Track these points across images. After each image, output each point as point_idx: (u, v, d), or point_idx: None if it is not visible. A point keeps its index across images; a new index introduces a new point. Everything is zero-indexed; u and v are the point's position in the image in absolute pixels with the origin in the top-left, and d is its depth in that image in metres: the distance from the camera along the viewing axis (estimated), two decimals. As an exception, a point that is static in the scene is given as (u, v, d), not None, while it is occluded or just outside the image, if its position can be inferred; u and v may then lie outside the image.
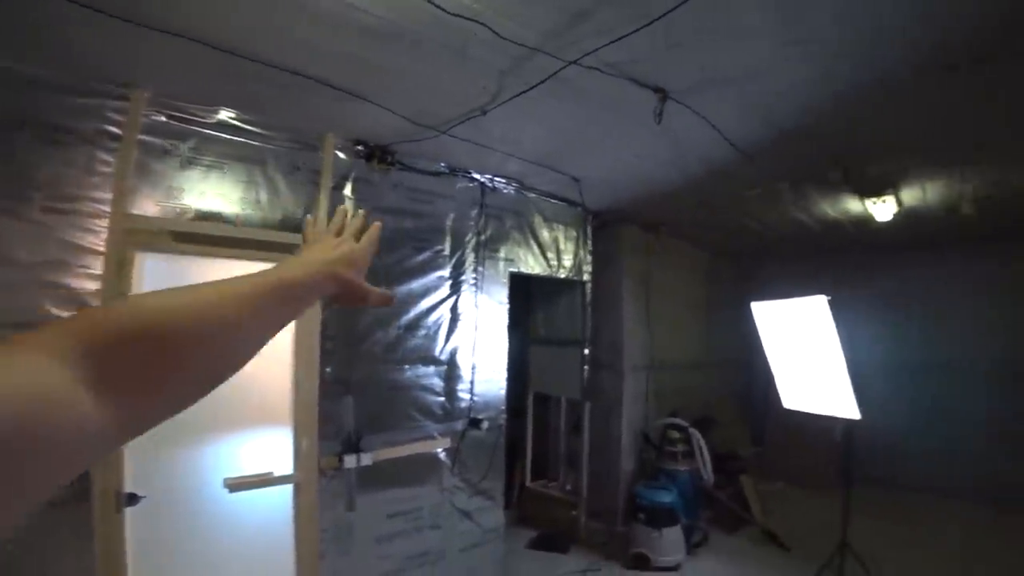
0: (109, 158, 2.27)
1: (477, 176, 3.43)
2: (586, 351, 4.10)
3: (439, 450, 3.18)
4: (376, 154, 2.97)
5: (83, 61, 2.13)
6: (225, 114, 2.56)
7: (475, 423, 3.31)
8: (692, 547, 3.77)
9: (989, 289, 4.82)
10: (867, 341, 3.69)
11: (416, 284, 3.14)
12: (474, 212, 3.42)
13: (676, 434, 4.15)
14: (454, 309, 3.30)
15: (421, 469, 3.10)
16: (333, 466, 2.75)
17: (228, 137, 2.56)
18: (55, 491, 0.31)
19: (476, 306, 3.39)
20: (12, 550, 2.09)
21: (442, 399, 3.22)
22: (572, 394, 4.21)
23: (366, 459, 2.82)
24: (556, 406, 4.61)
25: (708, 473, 3.98)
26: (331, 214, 1.01)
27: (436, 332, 3.21)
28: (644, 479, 4.22)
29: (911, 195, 3.64)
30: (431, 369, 3.18)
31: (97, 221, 2.24)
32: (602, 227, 4.41)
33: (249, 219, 2.63)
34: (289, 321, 0.56)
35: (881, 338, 4.61)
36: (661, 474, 4.06)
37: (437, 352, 3.20)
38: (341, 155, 2.89)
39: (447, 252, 3.28)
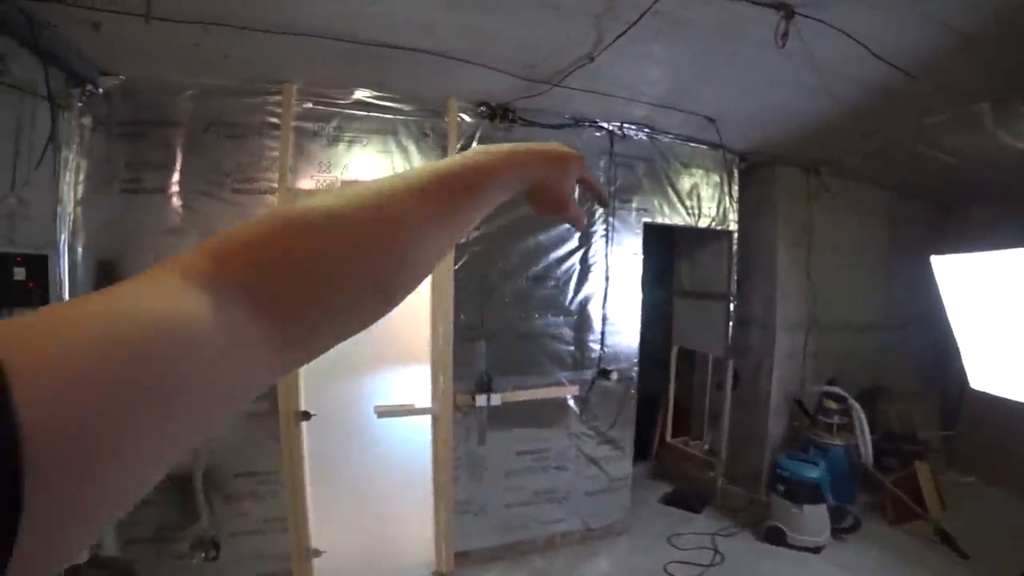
0: (275, 144, 2.73)
1: (604, 125, 3.31)
2: (732, 306, 3.81)
3: (568, 397, 3.27)
4: (498, 113, 3.03)
5: (245, 69, 2.60)
6: (360, 94, 2.87)
7: (604, 373, 3.32)
8: (840, 531, 3.39)
9: None
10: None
11: (544, 236, 3.19)
12: (603, 162, 3.32)
13: (833, 404, 3.69)
14: (584, 260, 3.30)
15: (549, 413, 3.23)
16: (467, 403, 3.01)
17: (364, 114, 2.90)
18: (215, 421, 0.29)
19: (606, 257, 3.34)
20: (229, 446, 2.73)
21: (571, 348, 3.28)
22: (716, 351, 3.97)
23: (495, 399, 3.03)
24: (703, 361, 4.39)
25: (867, 452, 3.50)
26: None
27: (566, 283, 3.25)
28: (793, 448, 3.87)
29: None
30: (560, 319, 3.25)
31: (271, 196, 2.71)
32: (752, 170, 3.97)
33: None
34: (476, 215, 0.47)
35: None
36: (811, 446, 3.68)
37: (567, 302, 3.25)
38: (466, 118, 3.03)
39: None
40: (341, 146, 2.87)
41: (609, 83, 2.80)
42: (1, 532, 0.17)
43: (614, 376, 3.30)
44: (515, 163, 0.50)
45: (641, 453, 4.53)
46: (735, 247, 3.77)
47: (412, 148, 2.96)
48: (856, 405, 3.56)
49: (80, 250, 2.58)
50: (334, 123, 2.85)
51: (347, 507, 2.99)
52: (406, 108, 2.95)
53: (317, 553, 2.90)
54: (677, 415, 4.45)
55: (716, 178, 3.67)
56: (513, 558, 3.22)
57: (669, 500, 3.90)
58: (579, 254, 3.28)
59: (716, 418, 4.19)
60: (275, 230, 0.34)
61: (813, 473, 3.33)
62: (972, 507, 3.73)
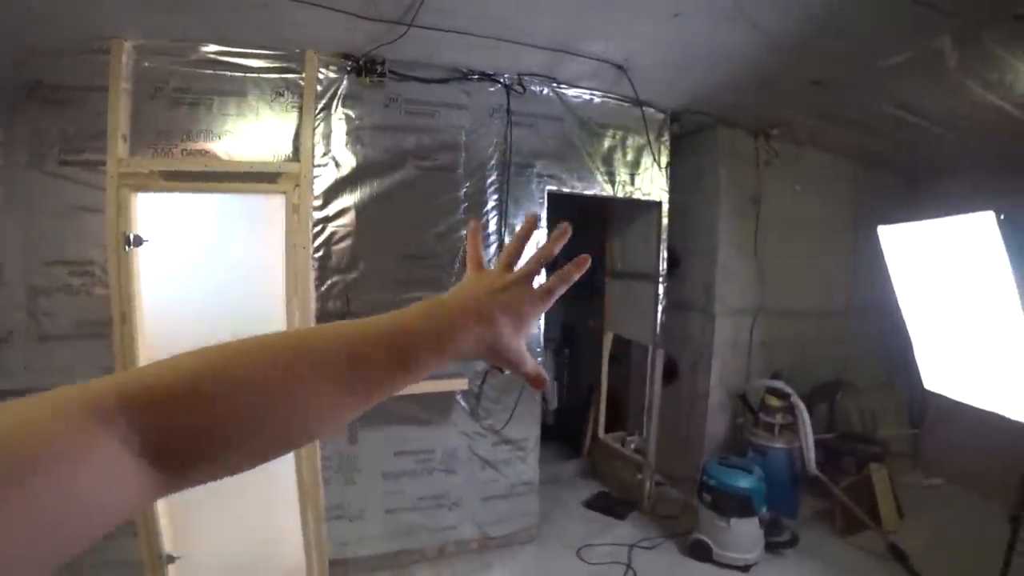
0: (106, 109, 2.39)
1: (498, 78, 2.87)
2: (661, 288, 3.35)
3: (455, 392, 2.89)
4: (364, 67, 2.63)
5: (72, 25, 2.26)
6: (205, 49, 2.51)
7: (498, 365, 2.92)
8: (777, 545, 2.94)
9: None
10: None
11: (422, 209, 2.79)
12: (496, 121, 2.89)
13: (776, 401, 3.22)
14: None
15: (433, 409, 2.87)
16: (332, 398, 2.66)
17: (210, 72, 2.54)
18: (89, 541, 0.31)
19: (501, 232, 2.93)
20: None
21: (459, 337, 2.89)
22: (646, 338, 3.52)
23: (364, 394, 2.67)
24: (642, 350, 3.95)
25: (810, 457, 3.02)
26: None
27: (451, 262, 2.86)
28: (736, 449, 3.43)
29: None
30: (444, 304, 2.85)
31: (102, 168, 2.39)
32: (691, 135, 3.48)
33: (237, 151, 2.57)
34: (403, 381, 0.45)
35: None
36: (750, 448, 3.23)
37: (452, 282, 2.86)
38: (330, 73, 2.63)
39: (461, 170, 2.84)
40: (183, 109, 2.52)
41: (480, 21, 2.38)
42: None
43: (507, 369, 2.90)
44: (447, 341, 0.47)
45: (575, 449, 4.14)
46: (664, 220, 3.29)
47: (265, 110, 2.60)
48: (799, 403, 3.09)
49: None
50: (174, 83, 2.50)
51: (207, 508, 2.70)
52: (257, 64, 2.58)
53: (171, 559, 2.63)
54: (614, 409, 4.03)
55: (640, 140, 3.19)
56: (397, 568, 2.90)
57: (592, 504, 3.51)
58: (465, 230, 2.88)
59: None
60: (183, 386, 0.36)
61: (743, 482, 2.88)
62: (934, 514, 3.23)
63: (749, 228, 3.48)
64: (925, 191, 3.87)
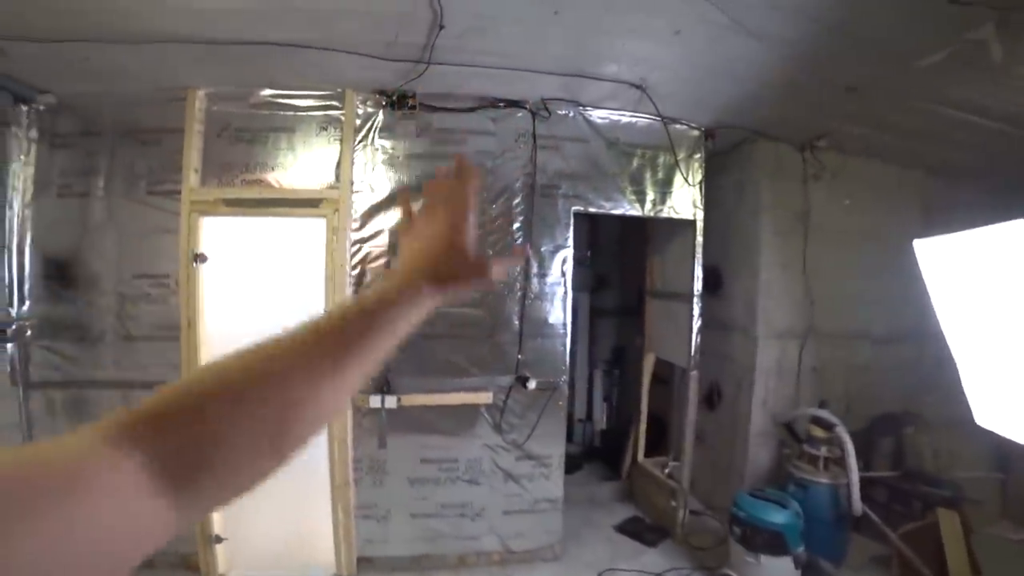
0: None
1: (524, 105, 2.99)
2: (697, 307, 3.25)
3: (480, 405, 2.99)
4: (396, 101, 2.88)
5: (151, 78, 2.75)
6: (260, 94, 2.89)
7: (522, 380, 2.99)
8: (815, 589, 2.71)
9: None
10: None
11: (449, 228, 2.96)
12: (522, 145, 3.00)
13: (820, 432, 2.97)
14: (501, 255, 3.00)
15: (458, 420, 2.99)
16: (363, 403, 2.88)
17: (266, 113, 2.92)
18: (112, 561, 0.32)
19: (527, 250, 3.02)
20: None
21: (484, 350, 3.00)
22: (681, 360, 3.41)
23: (390, 401, 2.86)
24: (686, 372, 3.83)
25: (855, 496, 2.75)
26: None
27: (476, 279, 2.98)
28: (781, 481, 3.20)
29: None
30: (470, 319, 2.98)
31: (178, 197, 2.83)
32: (732, 151, 3.37)
33: (287, 180, 2.92)
34: (381, 348, 0.49)
35: None
36: (790, 481, 3.00)
37: (478, 298, 2.98)
38: (368, 108, 2.92)
39: (488, 192, 2.98)
40: (242, 145, 2.92)
41: (490, 55, 2.54)
42: None
43: (532, 384, 2.96)
44: (404, 305, 0.52)
45: (617, 471, 4.06)
46: (699, 238, 3.21)
47: (311, 143, 2.93)
48: (844, 435, 2.83)
49: (27, 248, 2.89)
50: (235, 124, 2.91)
51: (253, 496, 2.98)
52: (304, 104, 2.93)
53: (219, 540, 2.95)
54: (659, 433, 3.91)
55: (670, 159, 3.15)
56: (419, 572, 3.02)
57: (623, 528, 3.42)
58: (498, 246, 3.00)
59: (699, 438, 3.61)
60: (178, 400, 0.39)
61: (776, 517, 2.70)
62: (1019, 572, 2.78)
63: (796, 245, 3.29)
64: (1018, 201, 3.42)
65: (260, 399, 0.41)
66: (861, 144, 3.19)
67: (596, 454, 4.34)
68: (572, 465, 4.11)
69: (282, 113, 2.93)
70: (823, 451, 2.95)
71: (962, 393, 3.45)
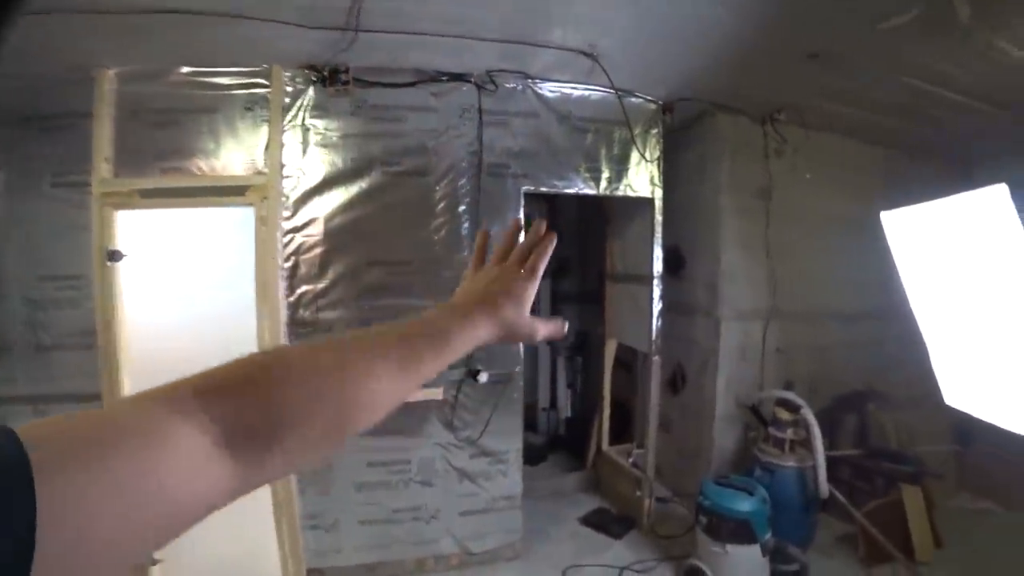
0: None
1: (468, 78, 2.77)
2: (656, 290, 3.11)
3: (429, 400, 2.81)
4: (327, 76, 2.63)
5: (58, 57, 2.39)
6: (179, 72, 2.60)
7: (473, 374, 2.82)
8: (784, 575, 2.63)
9: None
10: None
11: (391, 215, 2.74)
12: (467, 122, 2.79)
13: (786, 414, 2.89)
14: (447, 239, 2.81)
15: (406, 419, 2.80)
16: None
17: (187, 93, 2.61)
18: (174, 534, 0.34)
19: (473, 235, 2.82)
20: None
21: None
22: (643, 344, 3.28)
23: (332, 403, 2.65)
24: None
25: (821, 479, 2.67)
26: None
27: (424, 266, 2.79)
28: (748, 465, 3.12)
29: None
30: (417, 310, 2.78)
31: (88, 189, 2.53)
32: (691, 126, 3.22)
33: (209, 167, 2.65)
34: (443, 358, 0.52)
35: None
36: (756, 466, 2.91)
37: (422, 290, 2.78)
38: (297, 85, 2.67)
39: (431, 174, 2.77)
40: (159, 130, 2.63)
41: (425, 20, 2.31)
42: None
43: (483, 377, 2.79)
44: (465, 333, 0.55)
45: (583, 461, 3.94)
46: (658, 217, 3.06)
47: (235, 125, 2.65)
48: (810, 417, 2.75)
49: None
50: (151, 106, 2.61)
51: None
52: (226, 82, 2.65)
53: (155, 561, 2.71)
54: (624, 419, 3.79)
55: (625, 134, 2.98)
56: (375, 581, 2.85)
57: (588, 520, 3.31)
58: (441, 232, 2.80)
59: (664, 424, 3.51)
60: (252, 375, 0.41)
61: (742, 505, 2.60)
62: (979, 542, 2.77)
63: (759, 223, 3.17)
64: (982, 179, 3.36)
65: (330, 386, 0.43)
66: (822, 118, 3.07)
67: (561, 443, 4.21)
68: (536, 456, 3.98)
69: (202, 93, 2.64)
70: (789, 433, 2.86)
71: (923, 369, 3.42)
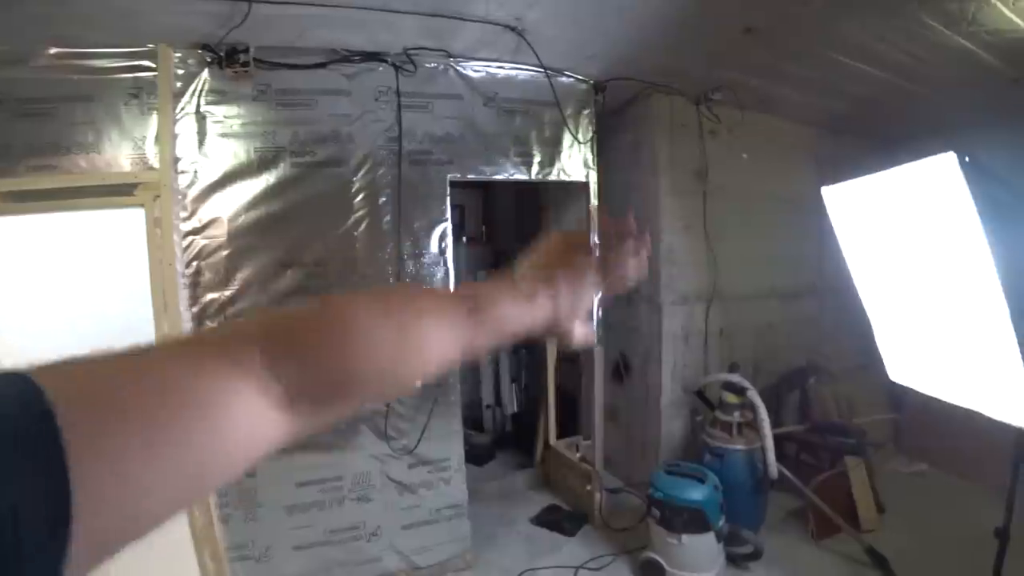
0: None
1: (385, 58, 2.55)
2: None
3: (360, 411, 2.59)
4: (224, 57, 2.33)
5: None
6: (48, 54, 2.22)
7: (407, 378, 2.61)
8: (741, 557, 2.60)
9: None
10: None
11: (304, 210, 2.49)
12: (384, 106, 2.57)
13: (733, 397, 2.85)
14: (368, 235, 2.59)
15: (335, 433, 2.57)
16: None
17: (59, 77, 2.24)
18: (227, 480, 0.35)
19: (398, 229, 2.61)
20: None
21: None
22: (586, 336, 3.17)
23: (251, 421, 2.39)
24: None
25: (770, 459, 2.65)
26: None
27: (342, 267, 2.56)
28: (696, 451, 3.07)
29: None
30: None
31: None
32: (627, 107, 3.11)
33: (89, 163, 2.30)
34: (486, 343, 0.51)
35: None
36: (706, 451, 2.87)
37: (342, 292, 2.55)
38: (190, 68, 2.35)
39: (346, 164, 2.54)
40: (26, 121, 2.25)
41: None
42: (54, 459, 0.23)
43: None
44: (517, 318, 0.52)
45: (532, 458, 3.82)
46: (593, 201, 2.94)
47: (118, 114, 2.31)
48: (756, 399, 2.72)
49: None
50: (15, 94, 2.22)
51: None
52: (105, 64, 2.30)
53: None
54: (572, 413, 3.69)
55: (556, 116, 2.83)
56: (315, 607, 2.62)
57: (540, 520, 3.19)
58: (359, 227, 2.57)
59: (611, 415, 3.43)
60: (323, 340, 0.40)
61: (694, 494, 2.53)
62: (918, 504, 2.86)
63: (697, 206, 3.11)
64: (904, 158, 3.42)
65: (395, 362, 0.43)
66: (756, 98, 3.02)
67: (508, 441, 4.08)
68: (483, 456, 3.83)
69: (77, 77, 2.27)
70: (736, 416, 2.82)
71: (859, 341, 3.48)
